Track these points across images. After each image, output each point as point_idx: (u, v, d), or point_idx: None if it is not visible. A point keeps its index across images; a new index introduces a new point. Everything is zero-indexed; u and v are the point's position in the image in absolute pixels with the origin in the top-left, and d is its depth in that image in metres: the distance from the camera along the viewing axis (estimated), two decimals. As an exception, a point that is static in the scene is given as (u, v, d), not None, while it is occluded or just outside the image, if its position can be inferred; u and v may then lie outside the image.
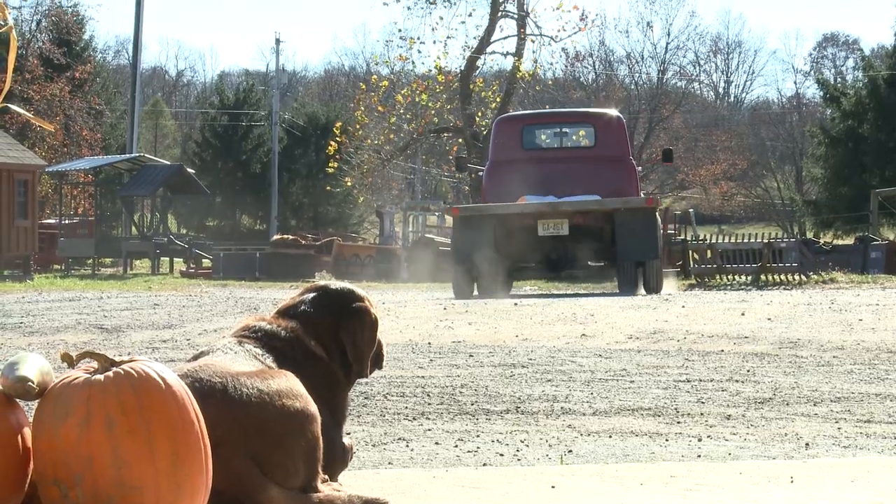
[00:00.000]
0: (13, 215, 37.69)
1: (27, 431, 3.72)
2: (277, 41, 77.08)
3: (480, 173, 24.72)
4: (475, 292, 20.95)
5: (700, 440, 6.94)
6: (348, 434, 4.74)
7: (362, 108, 52.92)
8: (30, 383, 3.66)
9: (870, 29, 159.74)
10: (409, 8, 51.69)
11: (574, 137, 24.20)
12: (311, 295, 4.73)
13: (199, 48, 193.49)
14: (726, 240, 29.89)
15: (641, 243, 20.91)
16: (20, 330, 15.34)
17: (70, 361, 3.72)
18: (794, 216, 65.95)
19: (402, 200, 60.07)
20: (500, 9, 51.14)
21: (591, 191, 21.86)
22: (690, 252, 30.67)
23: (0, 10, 3.81)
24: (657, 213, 22.00)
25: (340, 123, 55.05)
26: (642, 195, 23.50)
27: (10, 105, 4.25)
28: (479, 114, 51.10)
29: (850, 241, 42.75)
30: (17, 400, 3.76)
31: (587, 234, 21.05)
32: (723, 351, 12.54)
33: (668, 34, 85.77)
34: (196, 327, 15.47)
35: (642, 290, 20.99)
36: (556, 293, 23.11)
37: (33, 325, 15.76)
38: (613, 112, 25.01)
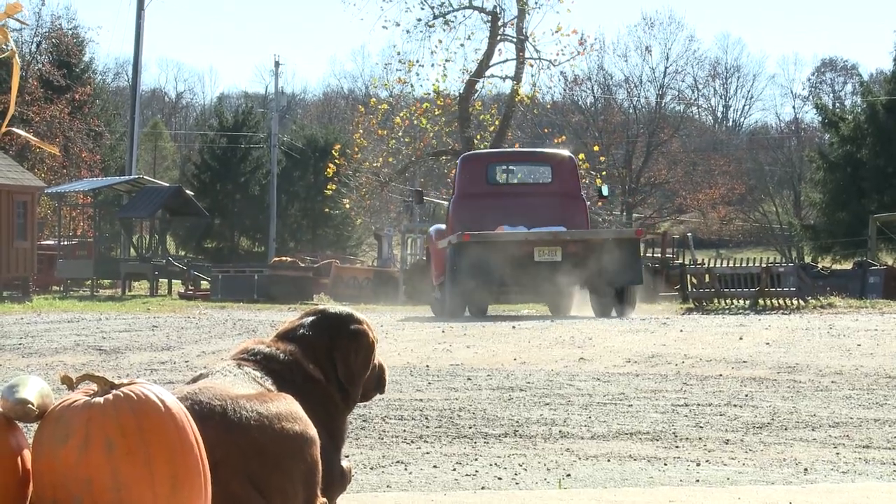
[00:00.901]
0: (12, 236, 37.70)
1: (27, 453, 3.72)
2: (277, 64, 77.14)
3: (445, 203, 26.36)
4: (466, 312, 22.31)
5: (698, 465, 6.94)
6: (347, 457, 4.74)
7: (361, 131, 52.99)
8: (30, 405, 3.66)
9: (868, 54, 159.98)
10: (408, 31, 51.84)
11: (533, 175, 26.07)
12: (310, 318, 4.74)
13: (198, 70, 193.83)
14: (724, 264, 29.92)
15: (628, 270, 22.73)
16: (19, 351, 15.33)
17: (70, 384, 3.72)
18: (792, 241, 65.98)
19: (400, 223, 60.10)
20: (499, 32, 51.25)
21: (550, 223, 23.82)
22: (689, 276, 30.67)
23: (1, 34, 3.82)
24: (641, 244, 24.22)
25: (339, 146, 55.09)
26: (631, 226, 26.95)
27: (13, 129, 4.27)
28: (478, 137, 51.16)
29: (848, 265, 42.76)
30: (17, 422, 3.76)
31: (578, 262, 22.48)
32: (721, 375, 12.54)
33: (667, 58, 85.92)
34: (194, 349, 15.46)
35: (613, 312, 22.57)
36: (534, 315, 23.99)
37: (32, 347, 15.75)
38: (566, 153, 27.28)
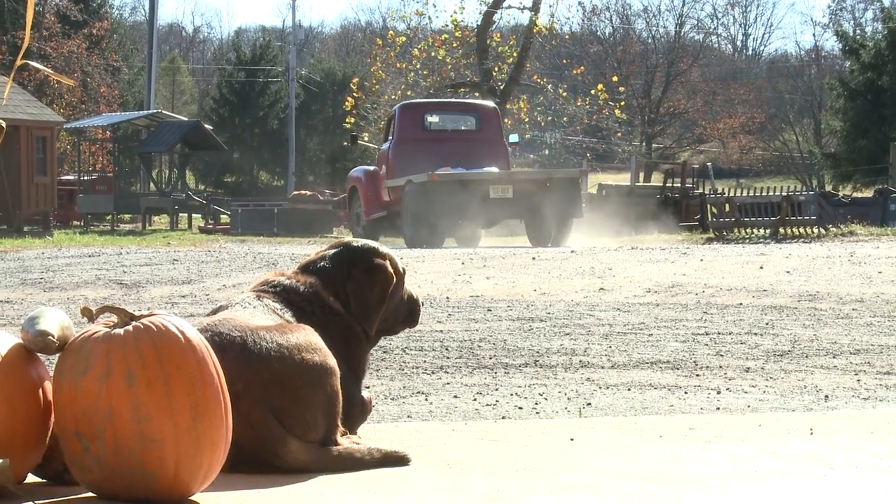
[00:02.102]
0: (32, 172, 37.76)
1: (48, 385, 3.74)
2: (294, -4, 76.83)
3: (377, 147, 30.03)
4: (426, 242, 24.89)
5: (719, 392, 6.94)
6: (367, 388, 4.75)
7: (379, 64, 52.79)
8: (50, 337, 3.67)
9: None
10: (425, -38, 51.48)
11: (462, 123, 29.07)
12: (333, 251, 4.72)
13: (215, 4, 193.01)
14: (744, 193, 29.81)
15: (570, 206, 25.75)
16: (40, 285, 15.39)
17: (90, 316, 3.73)
18: (812, 169, 65.74)
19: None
20: (517, -38, 50.90)
21: (480, 165, 26.87)
22: (709, 206, 30.60)
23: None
24: (580, 182, 28.08)
25: (357, 79, 54.92)
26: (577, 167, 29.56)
27: (29, 61, 4.24)
28: (496, 69, 50.93)
29: (869, 193, 42.56)
30: (38, 354, 3.78)
31: (526, 198, 25.43)
32: (741, 304, 12.53)
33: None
34: (215, 283, 15.50)
35: (549, 243, 25.07)
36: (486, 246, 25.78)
37: (53, 281, 15.81)
38: (491, 104, 30.98)
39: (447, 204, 24.90)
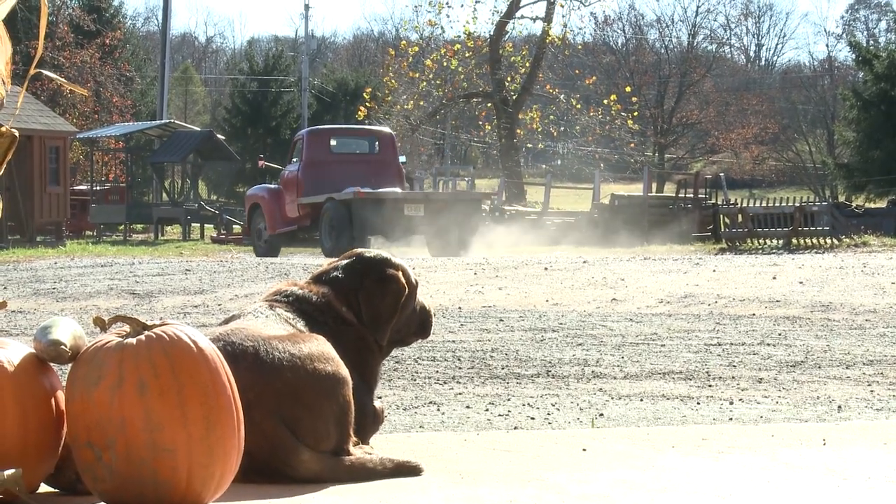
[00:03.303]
0: (45, 182, 37.82)
1: (60, 395, 3.74)
2: (306, 7, 77.00)
3: (285, 171, 32.10)
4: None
5: (732, 403, 6.93)
6: (380, 398, 4.75)
7: (391, 74, 52.84)
8: (63, 347, 3.68)
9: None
10: (438, -28, 51.54)
11: (364, 147, 32.09)
12: (345, 262, 4.72)
13: (228, 14, 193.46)
14: (757, 204, 29.78)
15: (471, 222, 29.02)
16: (53, 295, 15.41)
17: (102, 325, 3.73)
18: (825, 180, 65.61)
19: (431, 166, 59.96)
20: (530, -28, 50.96)
21: (379, 184, 29.61)
22: (722, 216, 30.57)
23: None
24: (482, 204, 32.11)
25: (370, 89, 54.99)
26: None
27: (42, 71, 4.25)
28: (509, 79, 50.96)
29: (882, 204, 42.49)
30: (51, 363, 3.78)
31: (435, 215, 28.31)
32: (754, 314, 12.51)
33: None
34: (227, 293, 15.51)
35: (453, 252, 27.56)
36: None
37: (66, 291, 15.83)
38: (388, 130, 34.79)
39: (367, 219, 27.88)
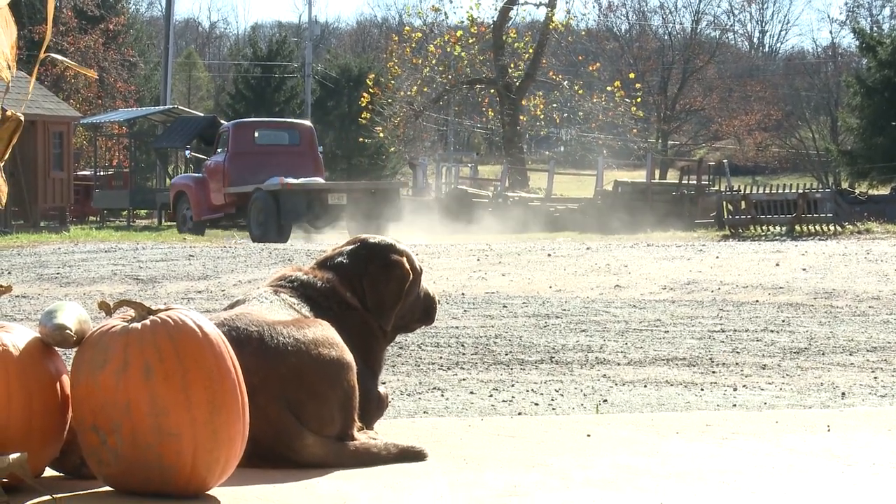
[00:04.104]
0: (49, 167, 37.81)
1: (66, 379, 3.74)
2: (310, -8, 76.88)
3: (207, 161, 34.71)
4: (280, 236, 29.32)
5: (735, 389, 6.94)
6: (384, 383, 4.75)
7: (395, 60, 52.77)
8: (68, 331, 3.68)
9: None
10: (441, -43, 51.45)
11: (285, 139, 34.41)
12: (350, 247, 4.72)
13: (231, 0, 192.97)
14: (761, 190, 29.76)
15: (391, 211, 30.38)
16: (57, 280, 15.42)
17: (107, 310, 3.73)
18: (829, 166, 65.52)
19: (434, 152, 59.98)
20: (533, -42, 50.85)
21: (301, 174, 31.66)
22: (725, 203, 30.55)
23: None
24: (399, 192, 34.00)
25: (373, 75, 54.89)
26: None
27: (53, 55, 4.25)
28: (512, 65, 50.88)
29: (885, 191, 42.45)
30: (56, 348, 3.78)
31: (356, 204, 30.19)
32: (757, 301, 12.52)
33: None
34: (231, 278, 15.52)
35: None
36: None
37: (70, 276, 15.84)
38: (308, 123, 36.99)
39: (293, 208, 29.79)
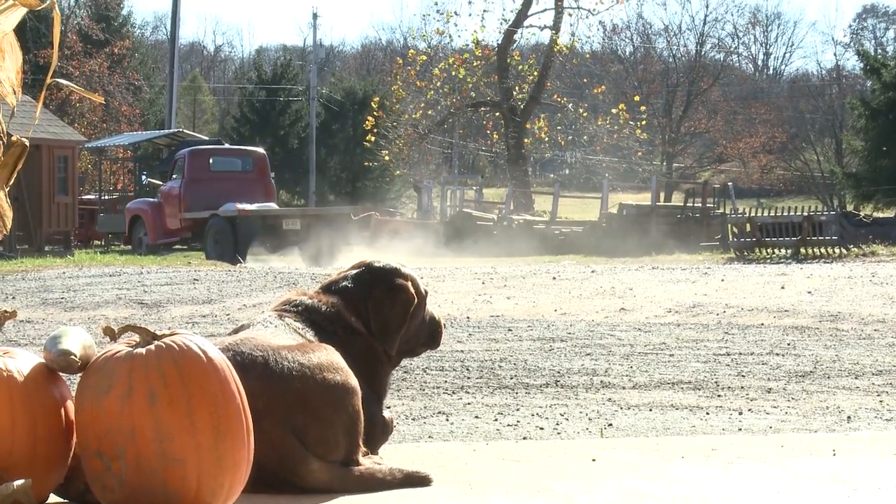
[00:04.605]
0: (54, 191, 37.82)
1: (70, 404, 3.74)
2: (314, 16, 77.33)
3: (162, 186, 36.10)
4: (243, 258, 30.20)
5: (741, 413, 6.92)
6: (388, 408, 4.75)
7: (399, 83, 52.85)
8: (72, 356, 3.68)
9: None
10: (446, -19, 51.59)
11: (238, 165, 35.88)
12: (355, 271, 4.72)
13: (236, 23, 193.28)
14: (765, 213, 29.75)
15: (342, 235, 31.20)
16: (61, 305, 15.42)
17: (112, 335, 3.73)
18: (833, 189, 65.51)
19: (439, 175, 60.02)
20: (537, -19, 50.95)
21: (255, 200, 33.01)
22: (730, 225, 30.53)
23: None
24: (351, 217, 33.99)
25: (378, 98, 54.97)
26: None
27: (59, 80, 4.26)
28: (517, 88, 50.94)
29: (890, 213, 42.44)
30: (60, 373, 3.78)
31: (311, 228, 31.21)
32: (763, 324, 12.50)
33: (707, 6, 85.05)
34: (235, 302, 15.52)
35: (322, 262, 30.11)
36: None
37: (74, 301, 15.84)
38: (261, 150, 38.18)
39: (249, 233, 30.94)
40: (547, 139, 52.52)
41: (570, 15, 51.31)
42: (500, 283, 17.09)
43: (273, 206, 34.23)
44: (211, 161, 35.44)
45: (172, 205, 34.48)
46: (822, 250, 26.23)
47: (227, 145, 42.63)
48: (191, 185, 34.31)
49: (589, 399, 7.49)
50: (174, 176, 35.29)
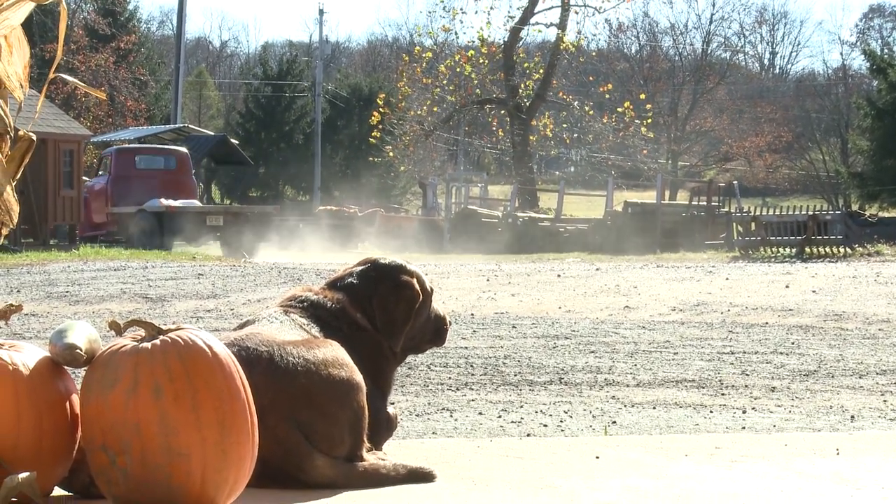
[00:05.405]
0: (59, 185, 37.83)
1: (75, 398, 3.75)
2: (321, 12, 77.13)
3: (90, 183, 37.58)
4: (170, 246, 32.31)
5: (744, 412, 6.92)
6: (393, 404, 4.75)
7: (405, 80, 52.85)
8: (78, 350, 3.68)
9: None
10: (452, -22, 51.57)
11: (162, 164, 38.11)
12: (360, 268, 4.72)
13: (242, 19, 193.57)
14: (771, 212, 29.74)
15: (262, 231, 33.58)
16: (66, 299, 15.44)
17: (117, 329, 3.74)
18: (839, 188, 65.45)
19: (444, 172, 60.03)
20: (544, -21, 50.94)
21: (178, 197, 34.90)
22: (735, 224, 30.54)
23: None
24: (272, 215, 36.31)
25: (384, 94, 54.97)
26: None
27: (62, 75, 4.27)
28: (522, 85, 50.94)
29: (895, 213, 42.43)
30: (66, 367, 3.79)
31: (232, 224, 33.19)
32: (767, 323, 12.50)
33: (713, 5, 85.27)
34: (240, 297, 15.52)
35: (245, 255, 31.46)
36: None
37: (79, 294, 15.86)
38: (184, 149, 39.85)
39: (175, 228, 32.69)
40: (552, 137, 52.52)
41: (577, 13, 51.33)
42: (504, 280, 17.10)
43: (196, 202, 36.36)
44: (136, 159, 37.91)
45: (99, 200, 36.71)
46: (827, 250, 26.23)
47: (146, 145, 44.42)
48: (117, 181, 36.63)
49: (593, 396, 7.50)
50: (100, 173, 37.77)
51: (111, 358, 3.61)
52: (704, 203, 38.26)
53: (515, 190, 45.09)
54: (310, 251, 33.20)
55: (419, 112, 52.26)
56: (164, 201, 33.80)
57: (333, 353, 4.22)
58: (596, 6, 51.47)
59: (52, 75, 4.06)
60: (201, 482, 3.54)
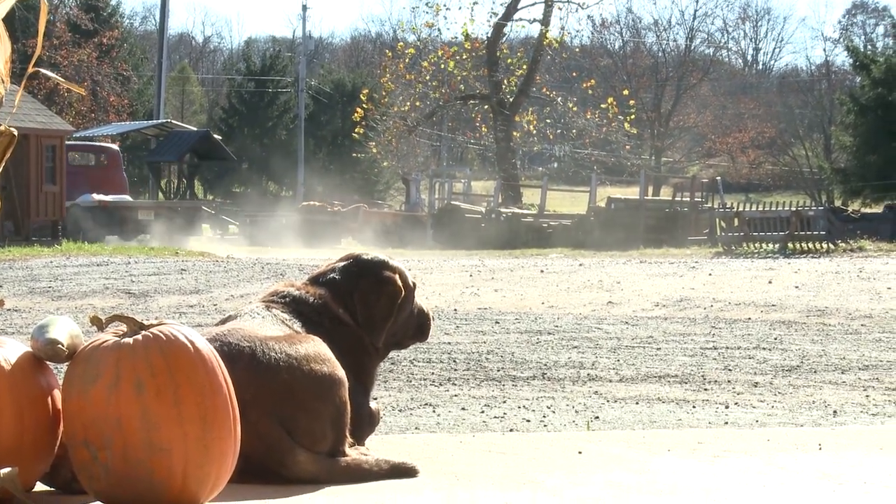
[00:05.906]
0: (41, 181, 37.75)
1: (57, 394, 3.74)
2: (304, 7, 77.24)
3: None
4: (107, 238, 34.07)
5: (727, 407, 6.93)
6: (375, 399, 4.75)
7: (388, 75, 52.83)
8: (60, 346, 3.67)
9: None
10: (436, -26, 51.52)
11: (92, 160, 40.74)
12: (342, 263, 4.72)
13: (225, 15, 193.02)
14: (754, 208, 29.80)
15: (191, 225, 36.44)
16: (48, 294, 15.40)
17: (99, 325, 3.73)
18: (822, 184, 65.57)
19: (428, 167, 60.00)
20: (527, -25, 50.93)
21: (109, 192, 37.29)
22: (718, 220, 30.58)
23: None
24: (201, 210, 39.44)
25: (367, 90, 54.95)
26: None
27: (40, 69, 4.25)
28: (506, 81, 50.95)
29: (878, 209, 42.50)
30: (47, 362, 3.78)
31: (162, 218, 35.79)
32: (750, 319, 12.52)
33: (696, 1, 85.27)
34: (223, 292, 15.51)
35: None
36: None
37: (61, 290, 15.82)
38: (115, 147, 43.54)
39: (107, 222, 34.60)
40: (535, 132, 52.54)
41: (560, 9, 51.40)
42: (487, 275, 17.10)
43: (127, 198, 38.81)
44: (69, 156, 38.76)
45: None
46: (810, 245, 26.29)
47: (76, 143, 45.33)
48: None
49: (576, 392, 7.50)
50: None
51: (93, 353, 3.60)
52: (688, 199, 38.33)
53: (499, 185, 45.12)
54: (293, 246, 32.99)
55: (402, 108, 52.25)
56: (96, 196, 35.73)
57: (315, 349, 4.21)
58: (579, 2, 51.52)
59: (31, 69, 4.04)
60: (183, 477, 3.53)
